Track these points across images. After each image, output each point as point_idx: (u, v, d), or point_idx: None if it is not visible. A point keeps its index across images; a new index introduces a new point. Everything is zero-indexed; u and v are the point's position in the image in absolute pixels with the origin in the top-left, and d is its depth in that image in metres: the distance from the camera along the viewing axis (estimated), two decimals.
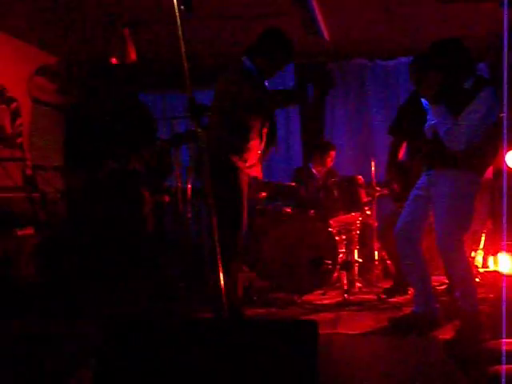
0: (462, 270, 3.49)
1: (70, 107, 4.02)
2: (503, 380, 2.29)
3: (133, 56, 5.10)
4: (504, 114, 3.28)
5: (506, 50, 2.94)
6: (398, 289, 4.73)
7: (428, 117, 3.62)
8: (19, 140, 5.65)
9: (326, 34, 5.62)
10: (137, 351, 1.75)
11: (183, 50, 2.59)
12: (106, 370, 1.72)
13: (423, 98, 3.59)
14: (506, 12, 3.03)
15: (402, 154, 4.78)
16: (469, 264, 3.64)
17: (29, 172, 5.30)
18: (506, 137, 3.62)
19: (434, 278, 4.01)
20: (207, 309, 3.69)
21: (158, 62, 5.75)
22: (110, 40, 5.15)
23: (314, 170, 5.92)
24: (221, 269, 2.62)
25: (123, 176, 3.76)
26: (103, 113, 3.81)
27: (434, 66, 3.44)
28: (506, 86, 3.13)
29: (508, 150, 4.79)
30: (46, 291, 4.38)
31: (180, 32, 2.60)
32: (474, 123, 3.32)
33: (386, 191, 4.93)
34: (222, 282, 2.59)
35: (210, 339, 1.75)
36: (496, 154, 3.62)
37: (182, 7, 2.77)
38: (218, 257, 2.60)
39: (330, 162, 5.88)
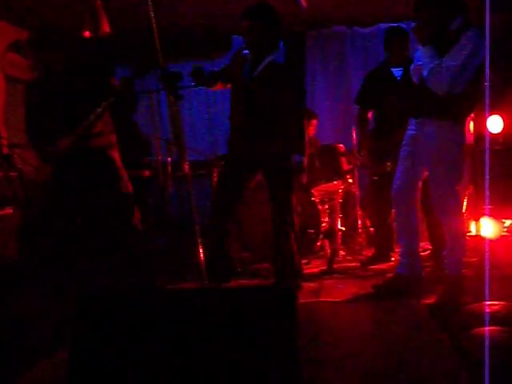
0: (454, 223, 3.48)
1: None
2: (486, 341, 2.30)
3: (106, 28, 4.98)
4: (486, 83, 3.23)
5: (488, 12, 2.89)
6: (381, 256, 4.75)
7: (415, 59, 3.61)
8: None
9: (303, 1, 5.53)
10: (113, 326, 1.72)
11: (152, 15, 2.53)
12: (81, 347, 1.69)
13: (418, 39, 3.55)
14: None
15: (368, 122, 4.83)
16: (463, 219, 3.64)
17: (5, 151, 5.20)
18: (488, 103, 3.57)
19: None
20: (186, 281, 3.71)
21: (135, 33, 5.64)
22: (82, 13, 5.03)
23: None
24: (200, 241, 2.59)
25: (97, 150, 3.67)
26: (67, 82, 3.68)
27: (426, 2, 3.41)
28: (488, 51, 3.08)
29: (489, 115, 4.79)
30: (26, 271, 4.32)
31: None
32: (459, 62, 3.27)
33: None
34: (202, 253, 2.57)
35: (187, 309, 1.72)
36: (475, 103, 3.57)
37: None
38: (197, 228, 2.57)
39: (312, 130, 5.83)
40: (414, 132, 3.60)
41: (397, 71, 4.59)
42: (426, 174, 3.64)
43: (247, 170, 3.91)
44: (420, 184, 3.71)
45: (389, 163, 4.34)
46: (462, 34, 3.31)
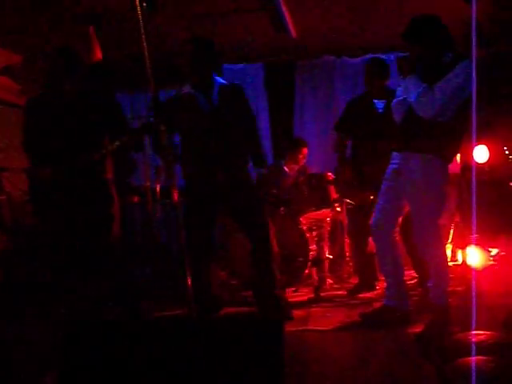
0: (437, 255, 3.49)
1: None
2: (473, 372, 2.30)
3: (98, 55, 5.04)
4: (473, 111, 3.26)
5: (474, 47, 2.95)
6: (365, 286, 4.75)
7: (397, 94, 3.62)
8: None
9: (293, 32, 5.62)
10: (100, 353, 1.72)
11: (145, 46, 2.57)
12: (69, 373, 1.68)
13: (402, 75, 3.59)
14: (474, 8, 3.02)
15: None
16: (445, 251, 3.66)
17: None
18: (474, 133, 3.61)
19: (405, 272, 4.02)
20: (174, 308, 3.68)
21: (126, 61, 5.69)
22: (74, 39, 5.08)
23: (285, 168, 5.89)
24: (188, 269, 2.60)
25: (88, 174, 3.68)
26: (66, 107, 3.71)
27: (412, 39, 3.45)
28: (474, 83, 3.13)
29: (476, 146, 4.85)
30: (10, 296, 4.29)
31: (142, 29, 2.57)
32: (450, 90, 3.28)
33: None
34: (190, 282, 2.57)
35: (175, 338, 1.72)
36: (461, 138, 3.59)
37: (145, 4, 2.74)
38: (186, 257, 2.57)
39: (302, 159, 5.85)
40: (396, 166, 3.59)
41: (379, 103, 4.63)
42: (407, 208, 3.64)
43: (212, 202, 3.96)
44: (400, 218, 3.72)
45: (372, 196, 4.35)
46: (454, 65, 3.31)
